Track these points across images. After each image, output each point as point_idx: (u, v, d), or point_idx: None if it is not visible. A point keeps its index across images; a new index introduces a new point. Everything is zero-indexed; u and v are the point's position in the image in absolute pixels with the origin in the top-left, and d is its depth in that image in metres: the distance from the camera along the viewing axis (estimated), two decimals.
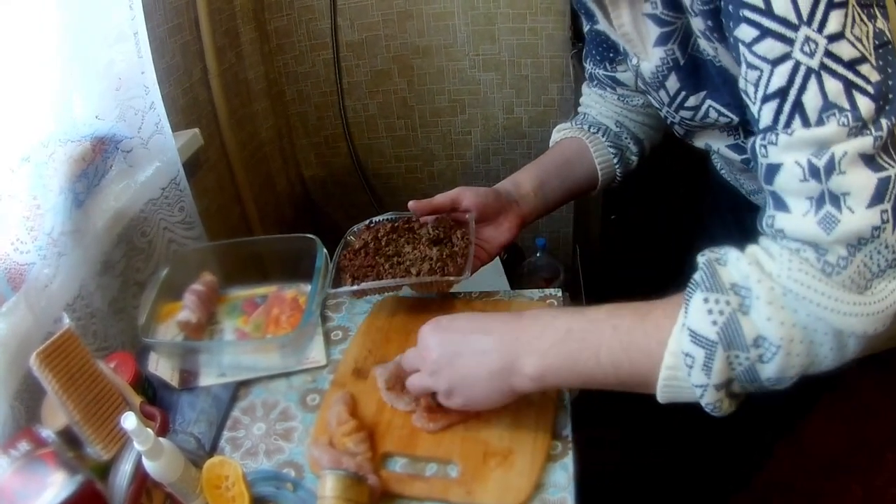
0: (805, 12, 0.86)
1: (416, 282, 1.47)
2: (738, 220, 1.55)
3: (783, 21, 0.88)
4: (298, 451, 1.34)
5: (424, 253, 1.50)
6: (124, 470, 1.19)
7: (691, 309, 0.98)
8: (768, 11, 0.88)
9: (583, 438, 1.32)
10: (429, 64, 2.82)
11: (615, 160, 1.63)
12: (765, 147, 0.96)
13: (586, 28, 1.57)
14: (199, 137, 2.07)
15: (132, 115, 1.66)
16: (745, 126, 1.25)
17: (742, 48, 0.94)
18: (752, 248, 1.00)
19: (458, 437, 1.29)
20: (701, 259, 1.02)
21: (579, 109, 1.73)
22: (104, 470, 1.20)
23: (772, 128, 0.94)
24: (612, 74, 1.57)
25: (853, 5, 0.88)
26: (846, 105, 0.88)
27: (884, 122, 0.89)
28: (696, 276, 1.00)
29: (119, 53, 1.59)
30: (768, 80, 0.92)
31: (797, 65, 0.89)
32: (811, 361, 0.95)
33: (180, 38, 2.16)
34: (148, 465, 1.12)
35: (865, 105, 0.88)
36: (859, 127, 0.88)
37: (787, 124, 0.91)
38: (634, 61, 1.34)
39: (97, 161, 1.59)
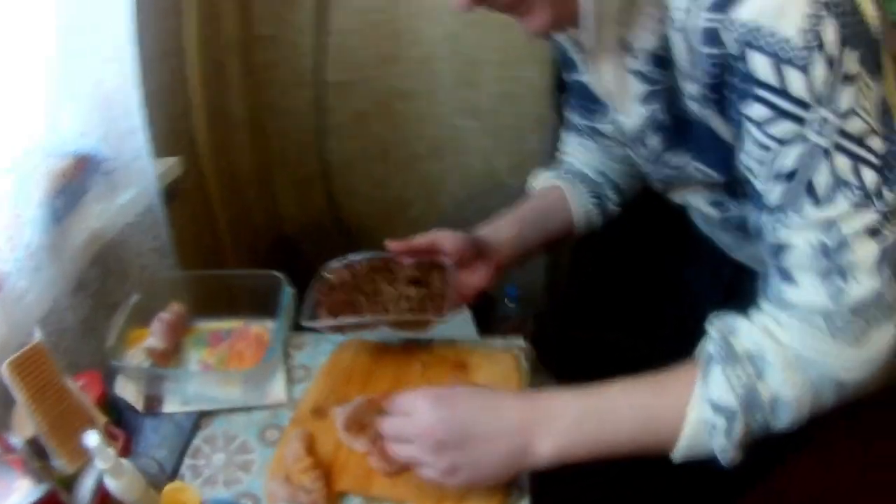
0: (820, 92, 0.90)
1: (395, 319, 1.48)
2: (717, 273, 1.57)
3: (798, 102, 0.91)
4: (257, 483, 1.35)
5: (403, 292, 1.51)
6: (87, 485, 1.20)
7: (711, 382, 1.05)
8: (783, 92, 0.91)
9: (541, 484, 1.32)
10: (410, 108, 2.81)
11: (594, 209, 1.64)
12: (774, 227, 1.00)
13: (569, 78, 1.59)
14: (178, 166, 2.08)
15: (115, 136, 1.66)
16: (727, 185, 1.26)
17: (749, 125, 0.98)
18: (762, 319, 1.06)
19: (413, 480, 1.29)
20: (712, 331, 1.09)
21: (560, 157, 1.75)
22: (69, 483, 1.21)
23: (782, 208, 0.98)
24: (593, 125, 1.59)
25: (862, 75, 0.92)
26: (854, 181, 0.93)
27: (887, 193, 0.94)
28: (710, 348, 1.07)
29: (109, 74, 1.60)
30: (780, 161, 0.96)
31: (809, 146, 0.93)
32: (818, 408, 1.03)
33: (167, 64, 2.17)
34: (109, 483, 1.14)
35: (871, 179, 0.93)
36: (866, 202, 0.93)
37: (799, 205, 0.96)
38: (615, 115, 1.37)
39: (78, 179, 1.60)
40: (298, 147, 2.98)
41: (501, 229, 1.60)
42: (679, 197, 1.43)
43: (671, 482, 1.71)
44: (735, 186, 1.24)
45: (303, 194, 3.12)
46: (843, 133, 0.92)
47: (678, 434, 1.07)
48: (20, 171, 1.36)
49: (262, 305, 1.68)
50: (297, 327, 1.63)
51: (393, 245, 1.53)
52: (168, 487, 1.23)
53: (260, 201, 3.02)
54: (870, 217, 0.94)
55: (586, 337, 2.41)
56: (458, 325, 2.48)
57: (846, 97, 0.91)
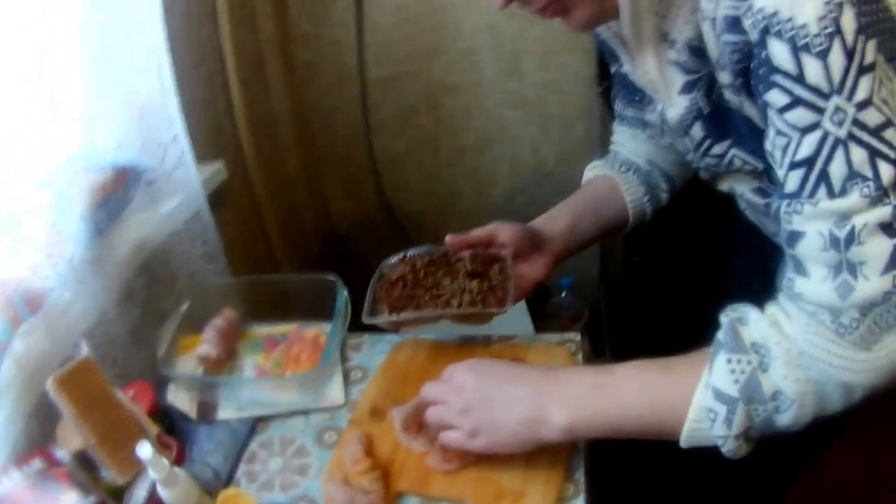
0: (836, 80, 0.89)
1: (459, 313, 1.47)
2: (762, 260, 1.54)
3: (814, 90, 0.90)
4: (314, 486, 1.35)
5: (464, 285, 1.49)
6: (139, 496, 1.22)
7: (715, 368, 1.05)
8: (800, 79, 0.91)
9: (597, 482, 1.33)
10: (456, 101, 2.80)
11: (646, 198, 1.64)
12: (789, 215, 1.00)
13: (613, 69, 1.58)
14: (223, 170, 2.08)
15: (155, 146, 1.67)
16: (769, 172, 1.23)
17: (771, 112, 0.97)
18: (771, 309, 1.06)
19: (470, 478, 1.29)
20: (724, 319, 1.09)
21: (611, 147, 1.74)
22: (119, 494, 1.22)
23: (796, 195, 0.98)
24: (640, 116, 1.55)
25: (881, 65, 0.91)
26: (869, 174, 0.92)
27: None
28: (720, 335, 1.08)
29: (142, 85, 1.60)
30: (796, 148, 0.95)
31: (825, 135, 0.92)
32: (822, 409, 1.03)
33: (205, 70, 2.16)
34: (163, 492, 1.14)
35: (887, 172, 0.92)
36: (880, 196, 0.92)
37: (812, 194, 0.95)
38: (659, 107, 1.35)
39: (119, 191, 1.59)
40: (345, 144, 2.98)
41: (556, 221, 1.60)
42: (725, 185, 1.42)
43: (720, 471, 1.71)
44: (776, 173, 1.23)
45: (352, 191, 3.12)
46: (860, 124, 0.91)
47: (683, 419, 1.08)
48: (57, 186, 1.36)
49: (316, 308, 1.68)
50: (353, 329, 1.63)
51: (451, 239, 1.52)
52: (222, 494, 1.23)
53: (309, 200, 3.02)
54: (884, 212, 0.92)
55: (647, 317, 2.41)
56: (514, 318, 2.48)
57: (863, 87, 0.90)
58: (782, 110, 0.94)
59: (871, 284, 0.94)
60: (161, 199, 1.72)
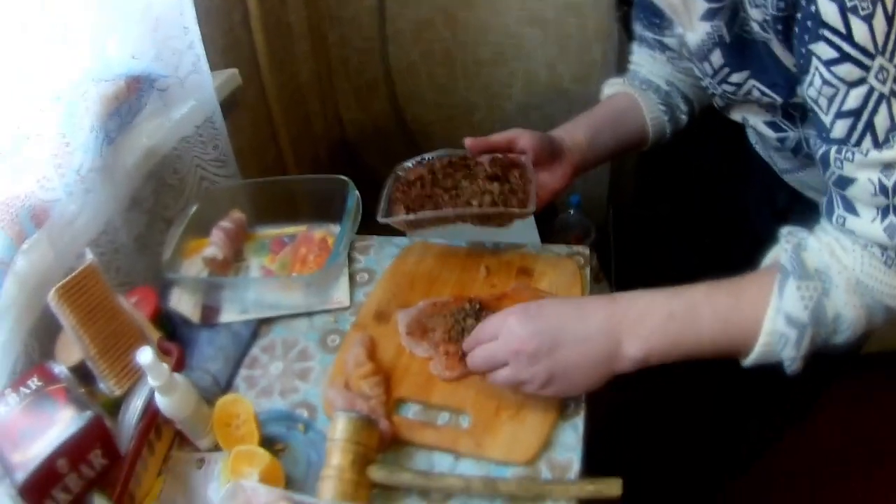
0: (881, 42, 0.92)
1: (480, 213, 1.47)
2: (770, 196, 1.55)
3: (862, 49, 0.93)
4: (314, 392, 1.36)
5: (484, 187, 1.49)
6: (135, 405, 1.21)
7: (786, 295, 1.09)
8: (849, 38, 0.93)
9: (597, 402, 1.33)
10: (473, 16, 2.78)
11: (666, 118, 1.64)
12: (840, 161, 1.03)
13: None
14: (237, 77, 2.08)
15: (169, 54, 1.66)
16: (785, 108, 1.26)
17: (817, 62, 1.00)
18: (828, 239, 1.10)
19: (472, 388, 1.31)
20: (786, 244, 1.14)
21: (630, 67, 1.72)
22: (115, 406, 1.23)
23: (845, 142, 1.02)
24: (660, 38, 1.56)
25: None
26: None
27: None
28: (785, 261, 1.11)
29: None
30: (843, 99, 0.99)
31: (871, 90, 0.95)
32: (870, 329, 1.11)
33: None
34: (160, 400, 1.15)
35: None
36: None
37: (860, 142, 1.00)
38: (679, 30, 1.34)
39: (131, 99, 1.59)
40: (360, 54, 2.97)
41: (576, 132, 1.59)
42: (738, 115, 1.41)
43: (728, 390, 1.74)
44: (792, 110, 1.26)
45: (365, 100, 3.12)
46: None
47: (754, 341, 1.11)
48: (68, 99, 1.35)
49: (325, 210, 1.69)
50: (361, 232, 1.64)
51: (470, 142, 1.51)
52: (220, 401, 1.24)
53: (321, 109, 3.03)
54: None
55: (653, 239, 2.42)
56: (522, 229, 2.49)
57: None
58: (829, 63, 0.97)
59: None
60: (174, 104, 1.73)
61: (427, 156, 1.61)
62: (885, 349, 2.27)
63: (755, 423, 1.89)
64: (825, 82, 1.00)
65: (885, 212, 1.02)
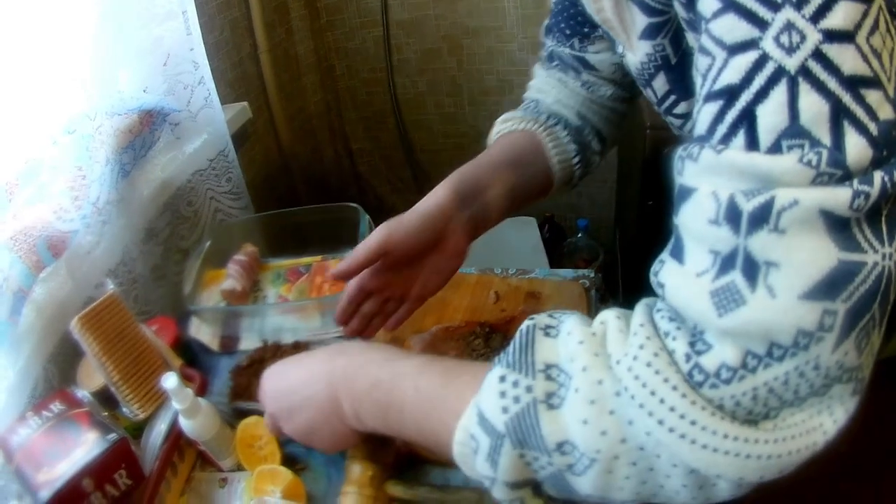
0: None
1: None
2: None
3: None
4: None
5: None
6: (159, 429, 1.23)
7: (485, 385, 0.75)
8: None
9: None
10: (478, 44, 2.83)
11: (575, 159, 1.27)
12: (682, 160, 0.65)
13: None
14: (247, 110, 2.11)
15: (181, 89, 1.70)
16: None
17: (703, 28, 0.64)
18: (607, 315, 0.74)
19: None
20: (528, 322, 0.78)
21: (529, 95, 1.41)
22: (137, 430, 1.25)
23: (705, 137, 0.63)
24: (581, 55, 1.26)
25: (881, 7, 0.57)
26: (824, 137, 0.56)
27: (878, 177, 0.56)
28: (512, 342, 0.77)
29: (167, 31, 1.63)
30: (717, 74, 0.61)
31: (763, 59, 0.57)
32: (653, 492, 0.69)
33: (229, 14, 2.20)
34: (184, 423, 1.17)
35: (857, 147, 0.56)
36: (834, 175, 0.56)
37: (724, 137, 0.60)
38: (620, 49, 1.01)
39: (144, 133, 1.63)
40: (367, 85, 3.03)
41: (459, 190, 1.20)
42: None
43: None
44: None
45: (373, 131, 3.17)
46: (825, 60, 0.56)
47: (452, 438, 0.78)
48: (82, 132, 1.38)
49: (337, 239, 1.71)
50: None
51: (335, 273, 1.16)
52: (243, 422, 1.26)
53: (331, 139, 3.07)
54: (834, 195, 0.55)
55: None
56: (530, 254, 2.52)
57: (840, 12, 0.55)
58: (711, 18, 0.61)
59: (776, 306, 0.58)
60: (187, 138, 1.76)
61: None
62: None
63: None
64: (701, 50, 0.64)
65: (726, 261, 0.60)
